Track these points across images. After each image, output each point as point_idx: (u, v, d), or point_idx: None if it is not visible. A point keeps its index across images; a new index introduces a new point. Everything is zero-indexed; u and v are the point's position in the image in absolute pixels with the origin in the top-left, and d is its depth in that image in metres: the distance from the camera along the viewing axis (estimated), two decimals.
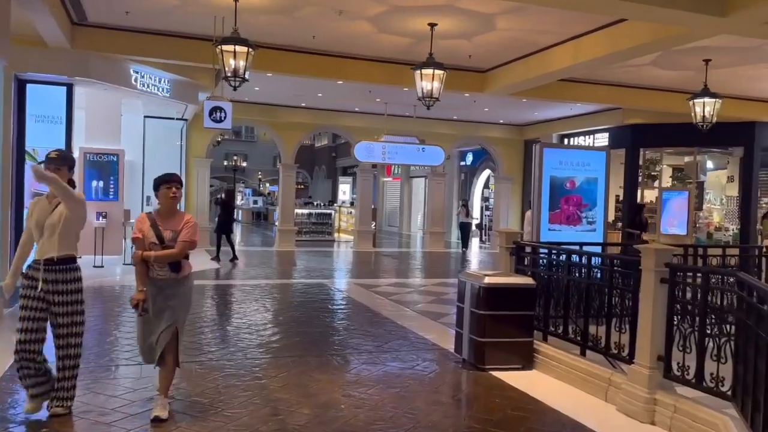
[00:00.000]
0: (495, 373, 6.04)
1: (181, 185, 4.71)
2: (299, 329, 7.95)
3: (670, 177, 18.42)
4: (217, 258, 14.92)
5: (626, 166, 16.99)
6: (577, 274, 6.26)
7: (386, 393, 5.38)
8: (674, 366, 4.86)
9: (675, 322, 4.92)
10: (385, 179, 31.62)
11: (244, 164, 42.61)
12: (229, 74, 8.63)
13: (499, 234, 7.39)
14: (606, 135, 17.71)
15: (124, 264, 13.36)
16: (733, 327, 4.52)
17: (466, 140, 21.58)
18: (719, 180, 18.36)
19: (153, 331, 4.55)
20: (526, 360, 6.27)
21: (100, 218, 12.89)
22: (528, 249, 7.06)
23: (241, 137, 44.26)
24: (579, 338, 6.00)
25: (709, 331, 4.64)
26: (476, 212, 24.94)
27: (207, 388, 5.31)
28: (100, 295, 10.15)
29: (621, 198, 17.29)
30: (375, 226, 22.49)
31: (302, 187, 43.48)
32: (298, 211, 22.18)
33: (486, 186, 25.45)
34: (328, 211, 23.66)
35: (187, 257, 4.70)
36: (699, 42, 9.45)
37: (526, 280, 6.38)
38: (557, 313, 6.43)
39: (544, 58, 11.06)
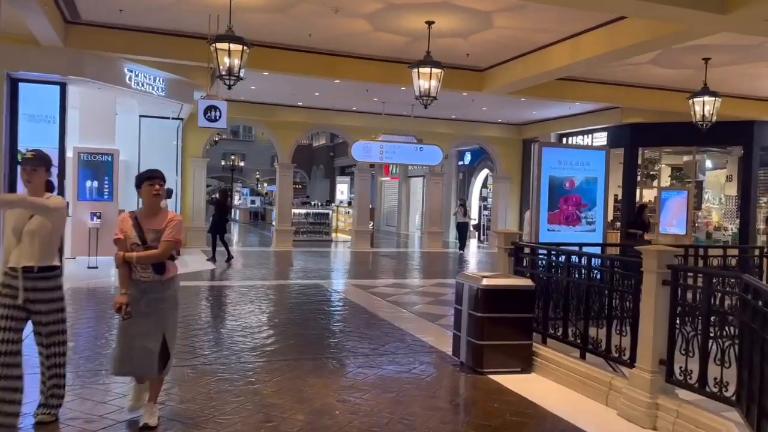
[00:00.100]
0: (493, 377, 5.93)
1: (164, 182, 4.53)
2: (294, 331, 7.83)
3: (669, 176, 18.33)
4: (212, 259, 14.79)
5: (625, 165, 16.88)
6: (576, 276, 6.15)
7: (382, 398, 5.27)
8: (676, 370, 4.75)
9: (677, 325, 4.81)
10: (383, 179, 31.50)
11: (242, 164, 42.45)
12: (223, 73, 8.49)
13: (498, 235, 7.28)
14: (604, 134, 17.60)
15: None
16: (736, 330, 4.41)
17: (464, 140, 21.48)
18: (718, 179, 18.27)
19: (134, 338, 4.31)
20: (525, 363, 6.16)
21: (95, 218, 12.76)
22: (527, 250, 6.94)
23: (239, 137, 44.12)
24: (579, 341, 5.89)
25: (712, 335, 4.52)
26: (474, 212, 24.83)
27: (198, 393, 5.19)
28: (94, 296, 10.04)
29: (620, 198, 17.19)
30: (373, 226, 22.37)
31: (300, 186, 43.36)
32: (296, 211, 22.06)
33: (484, 185, 25.34)
34: (326, 211, 23.54)
35: (172, 258, 4.51)
36: (699, 40, 9.35)
37: (525, 282, 6.26)
38: (556, 315, 6.32)
39: (543, 56, 10.95)
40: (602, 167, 8.12)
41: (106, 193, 13.13)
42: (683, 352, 4.69)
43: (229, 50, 8.38)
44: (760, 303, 3.81)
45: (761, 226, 16.28)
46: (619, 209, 17.10)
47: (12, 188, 10.50)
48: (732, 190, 17.49)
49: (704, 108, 11.25)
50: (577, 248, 7.02)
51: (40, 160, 4.32)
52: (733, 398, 4.25)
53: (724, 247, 9.24)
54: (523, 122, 20.42)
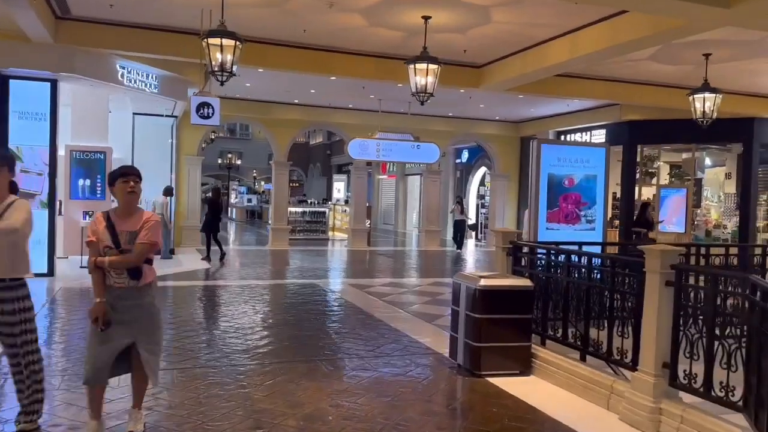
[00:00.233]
0: (491, 380, 5.77)
1: (140, 179, 4.19)
2: (288, 333, 7.68)
3: (668, 174, 18.20)
4: (207, 258, 14.63)
5: (624, 163, 16.72)
6: (576, 276, 5.99)
7: (377, 402, 5.11)
8: (680, 373, 4.60)
9: (681, 327, 4.66)
10: (381, 177, 31.32)
11: (239, 162, 42.24)
12: (215, 68, 8.31)
13: (496, 233, 7.12)
14: (603, 131, 17.45)
15: None
16: (743, 332, 4.27)
17: (461, 137, 21.32)
18: (717, 177, 18.14)
19: (108, 348, 4.02)
20: (524, 365, 6.01)
21: (87, 217, 12.57)
22: (525, 249, 6.78)
23: (236, 135, 43.90)
24: (579, 343, 5.74)
25: (718, 337, 4.37)
26: (472, 210, 24.67)
27: (187, 398, 5.03)
28: (87, 296, 9.83)
29: (618, 196, 17.04)
30: (370, 224, 22.21)
31: (297, 185, 43.18)
32: (292, 209, 21.91)
33: (482, 184, 25.18)
34: (322, 210, 23.37)
35: (149, 261, 4.18)
36: (699, 35, 9.19)
37: (524, 282, 6.11)
38: (556, 316, 6.17)
39: (541, 52, 10.79)
40: (602, 164, 7.97)
41: (98, 192, 12.98)
42: (687, 354, 4.54)
43: (221, 45, 8.20)
44: None
45: (761, 223, 16.15)
46: (618, 207, 16.95)
47: None
48: (731, 187, 17.36)
49: (704, 104, 11.10)
50: (576, 247, 6.90)
51: (2, 159, 4.11)
52: (740, 403, 4.10)
53: (726, 245, 9.09)
54: (521, 120, 20.28)
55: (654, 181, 17.44)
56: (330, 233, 23.12)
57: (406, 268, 15.53)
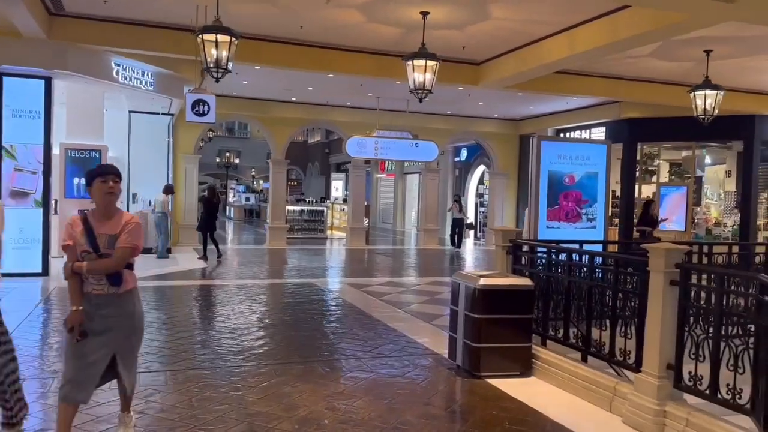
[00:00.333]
0: (491, 381, 5.65)
1: (120, 178, 3.91)
2: (285, 333, 7.55)
3: (668, 172, 18.09)
4: (204, 257, 14.50)
5: (623, 161, 16.64)
6: (578, 275, 5.87)
7: (374, 405, 4.98)
8: (685, 375, 4.48)
9: (686, 328, 4.54)
10: (379, 175, 31.20)
11: (237, 161, 42.10)
12: (210, 65, 8.19)
13: (495, 232, 7.00)
14: (603, 129, 17.36)
15: None
16: (750, 333, 4.14)
17: (460, 135, 21.19)
18: (717, 175, 18.04)
19: (90, 366, 3.74)
20: (524, 366, 5.89)
21: None
22: (525, 248, 6.66)
23: (234, 134, 43.76)
24: (580, 343, 5.62)
25: (724, 338, 4.25)
26: (471, 209, 24.55)
27: (180, 400, 4.91)
28: None
29: (618, 194, 16.92)
30: (368, 223, 22.08)
31: (295, 184, 43.03)
32: (290, 208, 21.78)
33: (481, 182, 25.06)
34: (320, 208, 23.23)
35: (130, 267, 3.92)
36: (700, 32, 9.09)
37: (524, 281, 5.99)
38: (557, 315, 6.05)
39: (541, 48, 10.67)
40: (603, 162, 7.84)
41: None
42: (692, 356, 4.42)
43: (216, 42, 8.08)
44: None
45: (762, 221, 16.05)
46: (618, 205, 16.84)
47: None
48: (731, 185, 17.25)
49: (705, 101, 10.99)
50: (577, 246, 6.78)
51: None
52: (748, 406, 3.98)
53: (729, 243, 8.97)
54: (520, 117, 20.17)
55: (654, 179, 17.34)
56: (328, 232, 22.99)
57: (404, 267, 15.41)
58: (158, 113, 15.25)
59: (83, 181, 12.52)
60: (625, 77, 13.36)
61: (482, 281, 5.77)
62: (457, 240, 19.44)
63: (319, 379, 5.61)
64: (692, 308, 4.59)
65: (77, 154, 12.71)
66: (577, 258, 6.03)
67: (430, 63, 9.21)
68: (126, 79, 11.84)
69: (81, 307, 3.76)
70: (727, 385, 4.12)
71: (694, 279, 4.75)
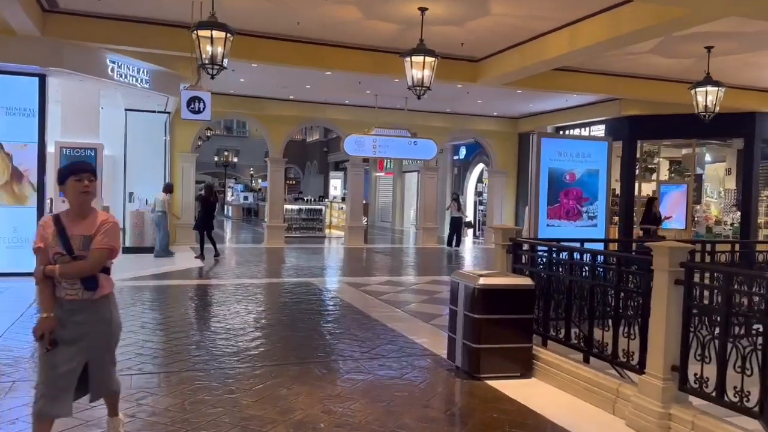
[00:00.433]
0: (491, 382, 5.54)
1: (95, 177, 3.72)
2: (281, 334, 7.44)
3: (668, 170, 17.98)
4: (201, 256, 14.38)
5: (623, 158, 16.50)
6: (579, 274, 5.76)
7: (371, 408, 4.87)
8: (691, 377, 4.37)
9: (691, 328, 4.42)
10: (378, 174, 31.08)
11: (235, 160, 41.96)
12: (206, 61, 8.06)
13: (495, 231, 6.88)
14: (602, 127, 17.24)
15: None
16: (759, 334, 4.03)
17: (458, 133, 21.08)
18: (717, 173, 17.94)
19: (62, 376, 3.51)
20: (525, 367, 5.78)
21: None
22: (526, 247, 6.54)
23: (233, 132, 43.60)
24: (582, 344, 5.51)
25: (731, 339, 4.14)
26: (470, 207, 24.43)
27: (172, 403, 4.79)
28: None
29: (617, 192, 16.80)
30: (366, 221, 21.97)
31: (294, 182, 42.90)
32: (288, 206, 21.66)
33: (480, 180, 24.94)
34: (319, 207, 23.12)
35: (107, 271, 3.68)
36: (701, 27, 8.98)
37: (525, 281, 5.87)
38: (558, 315, 5.94)
39: (540, 45, 10.54)
40: (604, 159, 7.73)
41: None
42: (698, 357, 4.31)
43: (211, 38, 7.94)
44: None
45: (762, 219, 15.95)
46: (618, 203, 16.72)
47: None
48: (731, 183, 17.15)
49: (707, 98, 10.86)
50: (578, 244, 6.66)
51: None
52: (756, 409, 3.87)
53: (732, 242, 8.86)
54: (519, 115, 20.04)
55: (654, 177, 17.23)
56: (327, 231, 22.88)
57: (403, 266, 15.29)
58: (154, 111, 15.13)
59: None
60: (625, 74, 13.24)
61: (482, 280, 5.66)
62: (456, 239, 19.30)
63: (315, 381, 5.49)
64: (697, 308, 4.48)
65: (72, 152, 12.56)
66: (578, 257, 5.92)
67: (429, 59, 9.08)
68: (121, 76, 11.70)
69: (52, 314, 3.52)
70: (734, 387, 4.02)
71: (697, 278, 4.65)
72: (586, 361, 5.46)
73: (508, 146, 20.89)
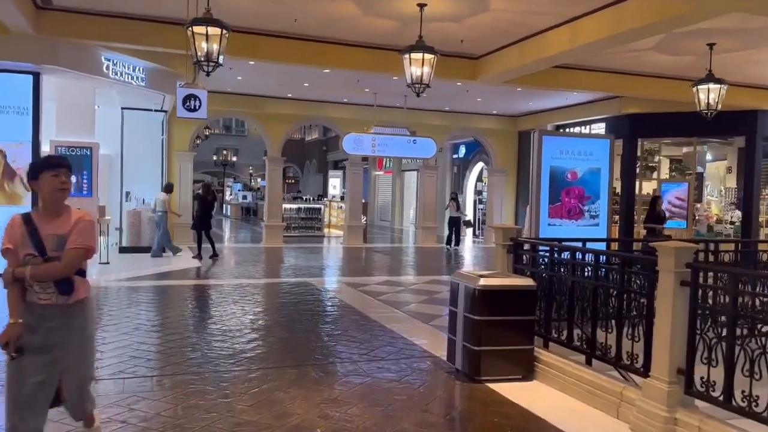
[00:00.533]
0: (491, 385, 5.42)
1: (71, 173, 3.45)
2: (278, 335, 7.32)
3: (669, 169, 17.86)
4: (198, 256, 14.25)
5: (624, 157, 16.38)
6: (582, 274, 5.64)
7: (369, 412, 4.75)
8: (697, 380, 4.25)
9: (698, 330, 4.31)
10: (377, 173, 30.95)
11: (234, 159, 41.82)
12: (201, 58, 7.92)
13: (495, 230, 6.76)
14: (603, 125, 17.12)
15: (99, 263, 12.69)
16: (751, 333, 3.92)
17: (458, 132, 20.95)
18: (718, 171, 17.83)
19: (28, 382, 3.26)
20: (526, 370, 5.66)
21: None
22: (527, 246, 6.42)
23: (232, 131, 43.46)
24: (585, 346, 5.39)
25: (739, 342, 4.02)
26: (469, 206, 24.30)
27: (164, 408, 4.66)
28: None
29: (618, 190, 16.67)
30: (366, 221, 21.84)
31: (293, 181, 42.76)
32: (287, 206, 21.53)
33: (479, 179, 24.81)
34: (317, 206, 23.00)
35: (82, 273, 3.44)
36: (704, 24, 8.87)
37: (526, 282, 5.75)
38: (560, 317, 5.82)
39: (541, 41, 10.40)
40: (606, 157, 7.61)
41: (84, 189, 12.56)
42: (705, 360, 4.20)
43: (206, 34, 7.81)
44: None
45: (763, 218, 15.83)
46: (618, 202, 16.60)
47: None
48: (732, 182, 17.03)
49: (709, 96, 10.73)
50: (580, 244, 6.54)
51: None
52: (765, 414, 3.75)
53: (736, 241, 8.75)
54: (519, 114, 19.92)
55: (654, 175, 17.11)
56: (326, 230, 22.76)
57: (402, 266, 15.18)
58: (151, 110, 14.99)
59: (73, 179, 12.51)
60: (626, 72, 13.10)
61: (482, 281, 5.54)
62: (455, 238, 19.15)
63: (312, 385, 5.37)
64: (704, 310, 4.37)
65: (68, 151, 12.43)
66: (581, 257, 5.80)
67: (428, 56, 8.95)
68: (117, 74, 11.58)
69: (20, 320, 3.26)
70: (743, 391, 3.90)
71: (702, 279, 4.53)
72: (589, 363, 5.35)
73: (508, 145, 20.77)
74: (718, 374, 4.09)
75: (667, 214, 13.57)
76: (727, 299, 4.18)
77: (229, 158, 40.75)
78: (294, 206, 22.34)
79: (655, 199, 12.63)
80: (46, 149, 11.87)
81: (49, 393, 3.34)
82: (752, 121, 15.09)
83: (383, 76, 12.73)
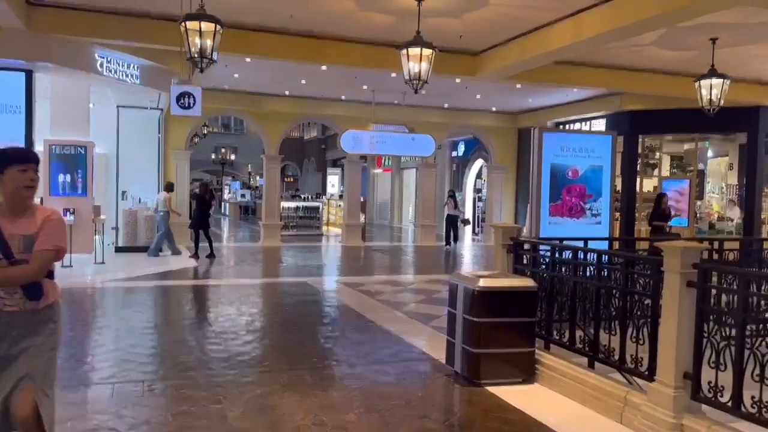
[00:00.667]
0: (491, 389, 5.27)
1: (38, 166, 3.13)
2: (274, 337, 7.18)
3: (670, 165, 17.71)
4: (195, 255, 14.10)
5: (624, 154, 16.22)
6: (584, 275, 5.49)
7: (366, 418, 4.60)
8: (704, 385, 4.10)
9: (705, 333, 4.16)
10: (376, 171, 30.79)
11: (233, 157, 41.64)
12: (195, 55, 7.78)
13: (495, 229, 6.61)
14: (603, 122, 16.96)
15: (95, 263, 12.55)
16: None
17: (457, 129, 20.76)
18: (719, 168, 17.67)
19: None
20: (527, 373, 5.51)
21: (68, 215, 12.04)
22: (527, 246, 6.27)
23: (230, 130, 43.26)
24: (587, 348, 5.24)
25: (749, 345, 3.87)
26: (468, 204, 24.13)
27: (153, 415, 4.52)
28: (69, 298, 9.28)
29: (618, 188, 16.51)
30: (364, 219, 21.68)
31: (291, 180, 42.60)
32: (285, 204, 21.38)
33: (479, 177, 24.65)
34: (316, 205, 22.84)
35: (51, 275, 3.15)
36: (707, 18, 8.71)
37: (527, 282, 5.59)
38: (561, 318, 5.68)
39: (542, 36, 10.24)
40: (608, 154, 7.45)
41: (79, 188, 12.41)
42: (712, 364, 4.05)
43: (200, 30, 7.67)
44: None
45: (766, 215, 15.68)
46: (619, 200, 16.44)
47: None
48: (733, 178, 16.88)
49: (711, 91, 10.59)
50: (582, 243, 6.39)
51: None
52: None
53: (741, 239, 8.60)
54: (519, 111, 19.75)
55: (655, 172, 16.96)
56: (324, 229, 22.61)
57: (401, 265, 15.03)
58: (147, 108, 14.83)
59: (68, 178, 12.39)
60: (627, 67, 12.95)
61: (482, 282, 5.38)
62: (453, 237, 18.97)
63: (307, 389, 5.22)
64: (712, 312, 4.21)
65: (62, 150, 12.30)
66: (583, 256, 5.65)
67: (426, 52, 8.78)
68: (111, 71, 11.41)
69: None
70: (752, 397, 3.75)
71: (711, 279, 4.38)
72: (591, 366, 5.19)
73: (508, 142, 20.60)
74: (726, 379, 3.94)
75: (673, 212, 13.40)
76: (736, 301, 4.02)
77: (227, 157, 40.57)
78: (292, 205, 22.19)
79: (660, 197, 12.44)
80: (39, 148, 11.73)
81: (5, 409, 2.98)
82: (754, 117, 14.93)
83: (381, 72, 12.57)
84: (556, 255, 5.86)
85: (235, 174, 44.11)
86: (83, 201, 12.37)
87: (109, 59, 11.32)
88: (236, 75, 14.57)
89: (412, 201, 26.30)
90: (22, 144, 10.76)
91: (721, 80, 10.45)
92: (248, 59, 12.12)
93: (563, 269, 5.74)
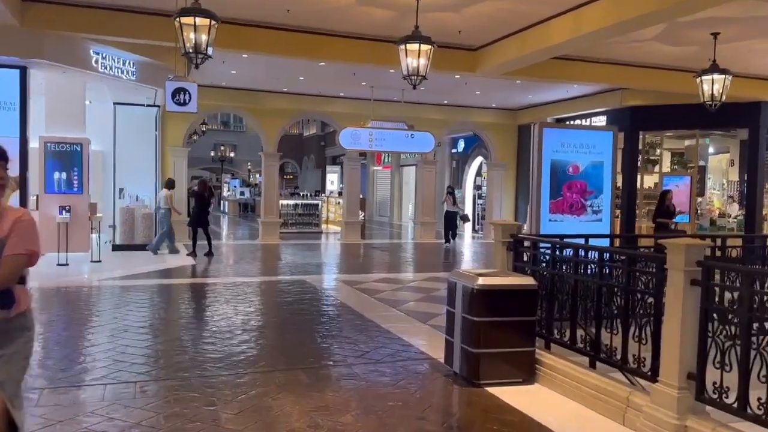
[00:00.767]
0: (491, 389, 5.17)
1: (7, 164, 2.94)
2: (270, 337, 7.08)
3: (671, 162, 17.59)
4: (193, 253, 14.00)
5: (625, 150, 16.10)
6: (586, 273, 5.39)
7: (362, 420, 4.50)
8: (709, 386, 4.00)
9: (710, 333, 4.06)
10: (376, 168, 30.66)
11: (232, 155, 41.53)
12: (189, 50, 7.67)
13: (495, 226, 6.50)
14: (604, 118, 16.84)
15: (91, 261, 12.45)
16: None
17: (456, 126, 20.66)
18: (720, 164, 17.56)
19: None
20: (527, 373, 5.41)
21: (64, 212, 11.96)
22: (527, 244, 6.16)
23: (230, 127, 43.14)
24: (589, 348, 5.14)
25: (754, 345, 3.77)
26: (468, 201, 24.01)
27: (145, 417, 4.41)
28: (65, 296, 9.21)
29: (619, 184, 16.39)
30: (364, 216, 21.56)
31: (291, 177, 42.48)
32: (284, 201, 21.28)
33: (478, 174, 24.53)
34: (315, 202, 22.74)
35: (23, 281, 2.94)
36: (708, 12, 8.63)
37: (527, 280, 5.49)
38: (562, 317, 5.57)
39: (542, 31, 10.13)
40: (609, 150, 7.34)
41: (75, 186, 12.31)
42: (717, 365, 3.95)
43: (195, 25, 7.56)
44: None
45: (767, 211, 15.58)
46: (620, 196, 16.32)
47: None
48: (734, 175, 16.77)
49: (713, 87, 10.47)
50: (583, 240, 6.28)
51: None
52: None
53: (744, 236, 8.50)
54: (519, 107, 19.64)
55: (656, 169, 16.85)
56: (323, 226, 22.51)
57: (400, 263, 14.93)
58: (144, 105, 14.70)
59: (64, 175, 12.28)
60: (628, 63, 12.83)
61: (481, 281, 5.28)
62: (452, 234, 18.83)
63: (303, 390, 5.12)
64: (716, 311, 4.11)
65: (57, 147, 12.19)
66: (584, 254, 5.54)
67: (425, 47, 8.66)
68: (106, 68, 11.30)
69: None
70: (759, 399, 3.65)
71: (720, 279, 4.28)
72: (593, 366, 5.10)
73: (508, 138, 20.49)
74: (731, 379, 3.85)
75: (677, 209, 13.27)
76: (742, 299, 3.91)
77: (227, 154, 40.47)
78: (291, 202, 22.08)
79: (664, 194, 12.32)
80: (34, 145, 11.63)
81: None
82: (756, 112, 14.82)
83: (380, 68, 12.46)
84: (557, 252, 5.75)
85: (235, 171, 43.99)
86: (79, 198, 12.27)
87: (104, 55, 11.21)
88: (233, 71, 14.46)
89: (412, 198, 26.17)
90: (17, 141, 10.70)
91: (723, 75, 10.34)
92: (245, 55, 12.02)
93: (564, 267, 5.64)
